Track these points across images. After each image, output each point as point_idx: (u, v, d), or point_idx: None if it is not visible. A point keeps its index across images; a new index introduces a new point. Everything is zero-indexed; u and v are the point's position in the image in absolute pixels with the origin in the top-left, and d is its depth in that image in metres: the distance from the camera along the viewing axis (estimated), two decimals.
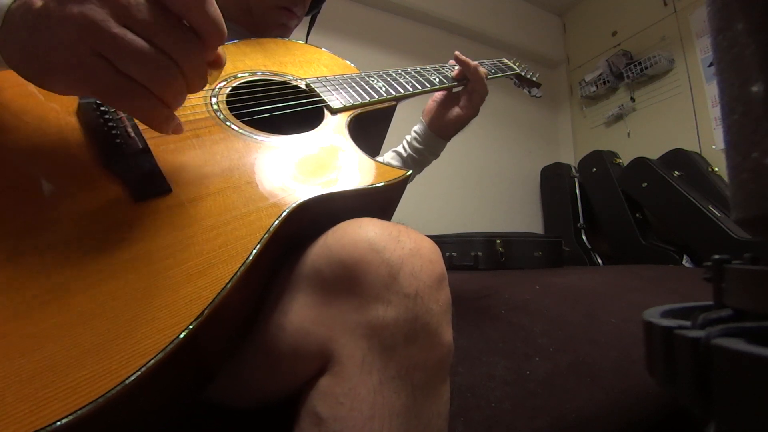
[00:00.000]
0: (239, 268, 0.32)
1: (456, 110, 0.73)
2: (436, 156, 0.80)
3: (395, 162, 0.80)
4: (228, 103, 0.48)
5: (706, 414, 0.15)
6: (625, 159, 2.17)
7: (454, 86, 0.72)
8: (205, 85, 0.34)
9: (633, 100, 2.30)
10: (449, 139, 0.77)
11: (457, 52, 0.72)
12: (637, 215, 1.99)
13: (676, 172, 1.83)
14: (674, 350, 0.17)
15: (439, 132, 0.76)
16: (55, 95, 0.33)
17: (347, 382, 0.31)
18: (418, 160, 0.78)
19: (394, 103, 0.61)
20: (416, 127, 0.79)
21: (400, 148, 0.81)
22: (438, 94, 0.75)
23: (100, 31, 0.27)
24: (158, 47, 0.29)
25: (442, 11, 2.26)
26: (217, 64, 0.34)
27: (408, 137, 0.80)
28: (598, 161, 2.19)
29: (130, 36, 0.28)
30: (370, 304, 0.32)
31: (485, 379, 0.56)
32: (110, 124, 0.37)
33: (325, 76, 0.59)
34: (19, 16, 0.29)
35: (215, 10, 0.31)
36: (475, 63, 0.71)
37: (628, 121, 2.34)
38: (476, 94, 0.71)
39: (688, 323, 0.18)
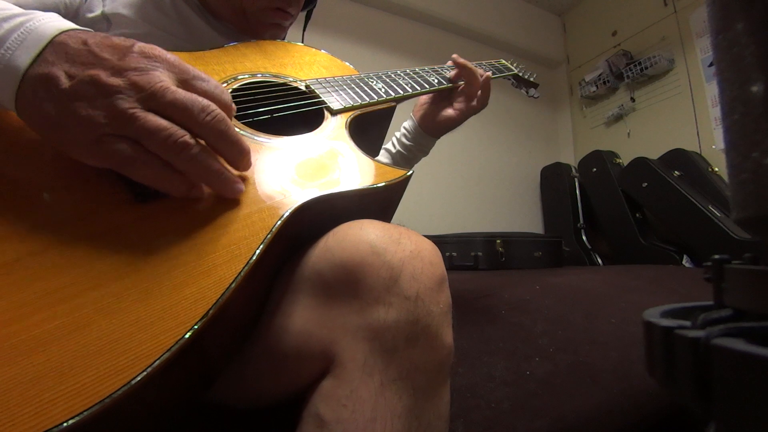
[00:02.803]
0: (243, 268, 0.32)
1: (449, 111, 0.72)
2: (426, 153, 0.79)
3: (385, 159, 0.79)
4: None
5: (706, 414, 0.15)
6: (625, 159, 2.18)
7: (453, 87, 0.72)
8: (247, 156, 0.37)
9: (633, 100, 2.30)
10: (438, 137, 0.77)
11: (455, 55, 0.72)
12: (637, 215, 1.99)
13: (676, 172, 1.83)
14: (674, 350, 0.17)
15: (429, 130, 0.75)
16: None
17: (349, 384, 0.31)
18: (407, 156, 0.78)
19: (393, 103, 0.61)
20: (406, 124, 0.79)
21: (389, 145, 0.81)
22: None
23: (127, 118, 0.30)
24: (183, 127, 0.32)
25: (442, 11, 2.27)
26: None
27: (397, 134, 0.80)
28: (598, 161, 2.19)
29: (153, 119, 0.31)
30: (371, 307, 0.32)
31: (485, 380, 0.56)
32: None
33: (325, 78, 0.59)
34: (42, 88, 0.30)
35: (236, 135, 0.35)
36: (481, 70, 0.71)
37: (628, 121, 2.34)
38: (478, 102, 0.71)
39: (688, 323, 0.18)
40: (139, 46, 0.33)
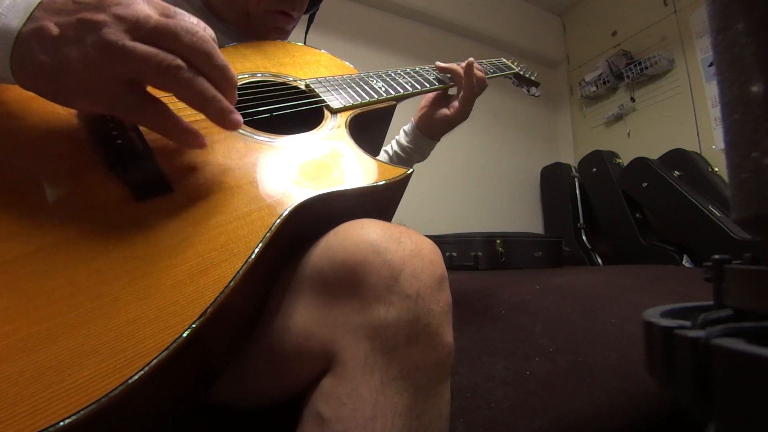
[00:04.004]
0: (241, 267, 0.32)
1: (444, 111, 0.72)
2: (423, 156, 0.79)
3: (383, 159, 0.79)
4: None
5: (706, 414, 0.15)
6: (625, 159, 2.17)
7: (453, 86, 0.72)
8: (235, 87, 0.36)
9: (633, 100, 2.30)
10: (437, 140, 0.77)
11: (437, 63, 0.71)
12: (637, 215, 1.99)
13: (676, 172, 1.83)
14: (674, 350, 0.17)
15: (426, 131, 0.75)
16: None
17: (350, 382, 0.31)
18: (404, 158, 0.78)
19: (393, 102, 0.61)
20: (405, 126, 0.79)
21: (387, 147, 0.81)
22: (431, 95, 0.75)
23: (118, 49, 0.30)
24: (170, 51, 0.32)
25: (442, 11, 2.26)
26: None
27: (397, 136, 0.80)
28: (598, 161, 2.19)
29: (141, 47, 0.31)
30: (371, 305, 0.32)
31: (485, 380, 0.56)
32: (110, 124, 0.37)
33: (325, 77, 0.59)
34: (35, 40, 0.30)
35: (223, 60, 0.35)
36: (460, 67, 0.69)
37: (628, 121, 2.34)
38: (465, 90, 0.69)
39: (688, 323, 0.18)
40: None
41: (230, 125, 0.36)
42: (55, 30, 0.30)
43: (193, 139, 0.36)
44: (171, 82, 0.32)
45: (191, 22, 0.34)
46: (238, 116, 0.36)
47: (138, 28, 0.31)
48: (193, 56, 0.33)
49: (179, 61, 0.32)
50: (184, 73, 0.32)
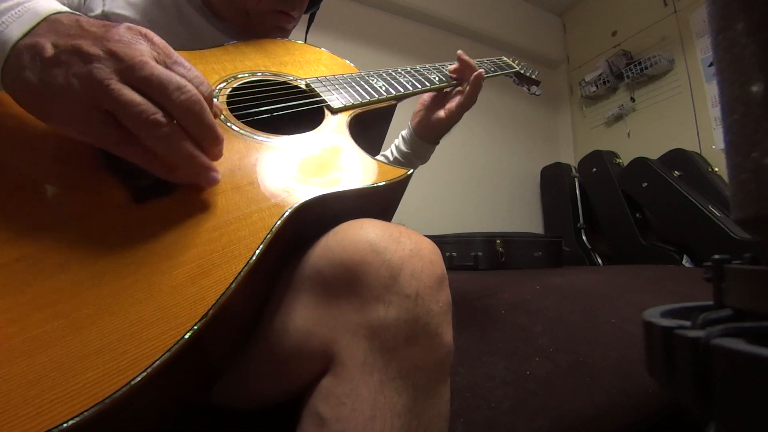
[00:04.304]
0: (242, 268, 0.32)
1: (440, 113, 0.71)
2: (424, 160, 0.79)
3: None
4: (228, 103, 0.48)
5: (706, 414, 0.15)
6: (625, 159, 2.17)
7: (454, 85, 0.72)
8: (220, 144, 0.36)
9: (633, 100, 2.30)
10: (436, 143, 0.77)
11: (460, 51, 0.71)
12: (637, 215, 1.99)
13: (676, 172, 1.83)
14: (674, 350, 0.17)
15: (424, 136, 0.75)
16: None
17: (349, 382, 0.31)
18: (404, 164, 0.78)
19: (394, 102, 0.61)
20: (404, 132, 0.79)
21: (387, 152, 0.81)
22: (425, 97, 0.74)
23: (103, 88, 0.29)
24: (157, 104, 0.31)
25: (442, 11, 2.27)
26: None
27: (396, 141, 0.80)
28: (598, 161, 2.19)
29: (127, 93, 0.30)
30: (370, 305, 0.32)
31: (485, 380, 0.56)
32: None
33: (325, 76, 0.59)
34: (28, 56, 0.30)
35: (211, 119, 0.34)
36: (479, 71, 0.69)
37: (628, 121, 2.34)
38: (467, 100, 0.69)
39: (688, 323, 0.18)
40: (128, 24, 0.33)
41: (204, 182, 0.35)
42: (49, 50, 0.30)
43: (177, 176, 0.35)
44: (143, 134, 0.31)
45: (187, 73, 0.33)
46: (215, 174, 0.35)
47: (130, 72, 0.30)
48: (178, 113, 0.32)
49: (159, 117, 0.31)
50: (159, 129, 0.31)
